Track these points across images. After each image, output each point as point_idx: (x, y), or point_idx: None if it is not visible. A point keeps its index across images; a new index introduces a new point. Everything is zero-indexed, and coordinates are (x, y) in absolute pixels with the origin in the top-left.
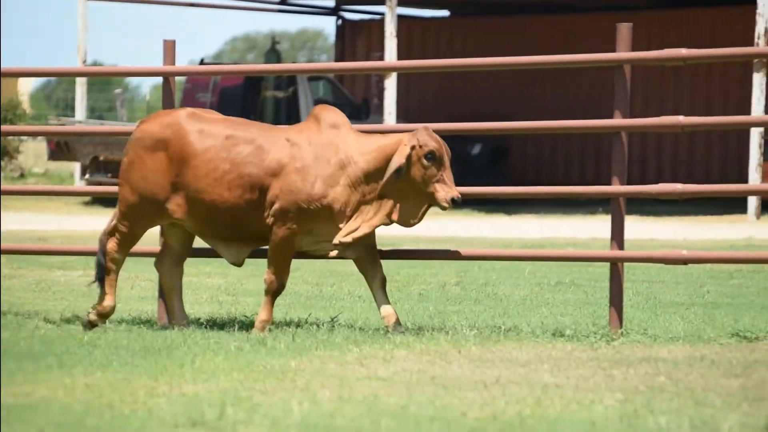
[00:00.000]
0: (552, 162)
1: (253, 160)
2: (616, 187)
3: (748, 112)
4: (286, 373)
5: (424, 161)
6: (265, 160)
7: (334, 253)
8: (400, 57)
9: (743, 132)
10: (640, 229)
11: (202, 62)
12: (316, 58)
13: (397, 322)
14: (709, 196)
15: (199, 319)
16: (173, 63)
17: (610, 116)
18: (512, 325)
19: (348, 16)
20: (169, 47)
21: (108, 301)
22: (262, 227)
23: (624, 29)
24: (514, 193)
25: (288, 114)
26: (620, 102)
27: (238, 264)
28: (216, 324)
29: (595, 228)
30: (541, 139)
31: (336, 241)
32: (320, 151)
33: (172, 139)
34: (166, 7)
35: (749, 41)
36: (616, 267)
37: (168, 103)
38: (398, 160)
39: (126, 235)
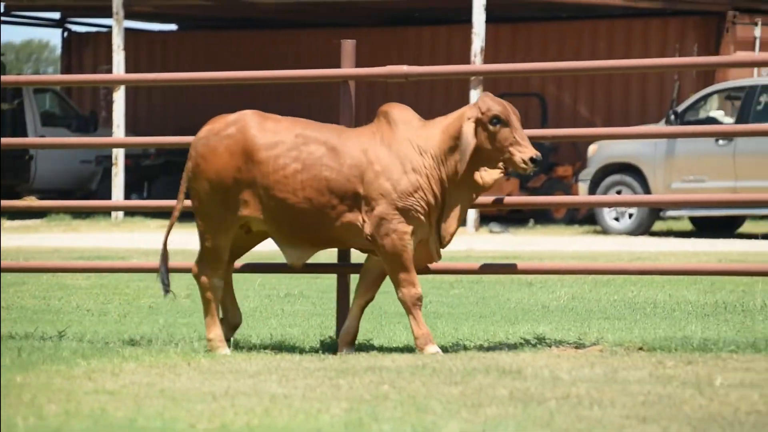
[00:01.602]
0: None
1: (329, 164)
2: None
3: None
4: (11, 388)
5: (491, 127)
6: (343, 165)
7: (436, 258)
8: (127, 70)
9: None
10: None
11: None
12: (43, 71)
13: (351, 345)
14: None
15: None
16: None
17: None
18: (242, 337)
19: (74, 28)
20: None
21: (212, 334)
22: (333, 232)
23: (348, 46)
24: None
25: (13, 126)
26: (345, 117)
27: (298, 266)
28: None
29: None
30: None
31: (436, 260)
32: (395, 149)
33: (236, 135)
34: None
35: (467, 59)
36: (343, 279)
37: None
38: (469, 140)
39: (213, 253)
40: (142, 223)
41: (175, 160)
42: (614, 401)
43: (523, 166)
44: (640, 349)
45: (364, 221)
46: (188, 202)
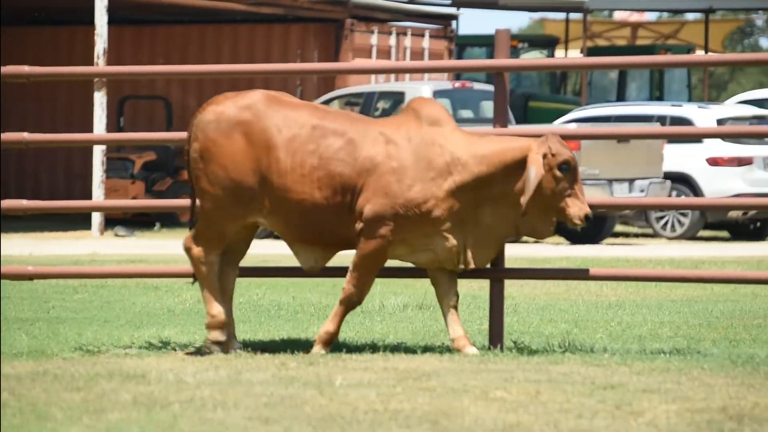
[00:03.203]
0: None
1: (345, 158)
2: None
3: (92, 129)
4: None
5: (557, 172)
6: (358, 158)
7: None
8: None
9: (87, 149)
10: None
11: None
12: None
13: (469, 345)
14: (55, 212)
15: None
16: None
17: None
18: None
19: None
20: None
21: (214, 310)
22: (350, 232)
23: None
24: None
25: None
26: None
27: (315, 271)
28: None
29: None
30: None
31: (462, 267)
32: (422, 150)
33: (252, 122)
34: None
35: (91, 61)
36: None
37: None
38: (538, 172)
39: (213, 236)
40: None
41: None
42: (238, 403)
43: (578, 222)
44: (264, 351)
45: (360, 213)
46: None
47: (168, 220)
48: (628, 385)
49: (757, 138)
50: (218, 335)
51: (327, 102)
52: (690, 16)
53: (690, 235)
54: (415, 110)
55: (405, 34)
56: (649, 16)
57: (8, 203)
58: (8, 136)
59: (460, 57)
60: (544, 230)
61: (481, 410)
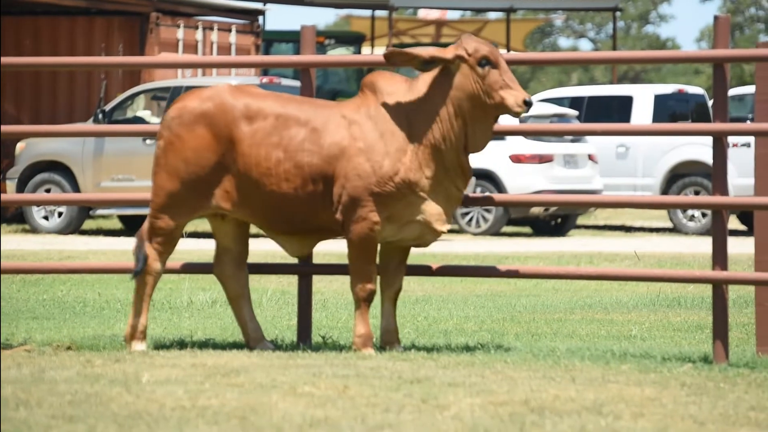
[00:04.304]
0: None
1: (310, 147)
2: None
3: None
4: None
5: (479, 69)
6: (323, 146)
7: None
8: None
9: None
10: None
11: None
12: None
13: (397, 342)
14: None
15: None
16: None
17: None
18: None
19: None
20: None
21: (135, 321)
22: (327, 221)
23: None
24: None
25: None
26: None
27: (303, 257)
28: None
29: None
30: None
31: (442, 230)
32: (384, 125)
33: (215, 114)
34: None
35: None
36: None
37: None
38: (434, 53)
39: (166, 232)
40: None
41: None
42: (41, 401)
43: (518, 109)
44: (69, 348)
45: (338, 202)
46: None
47: None
48: (434, 379)
49: (558, 136)
50: (139, 345)
51: (133, 96)
52: (492, 15)
53: (494, 231)
54: (372, 85)
55: (211, 28)
56: (453, 15)
57: None
58: None
59: (267, 52)
60: (485, 140)
61: (290, 405)
